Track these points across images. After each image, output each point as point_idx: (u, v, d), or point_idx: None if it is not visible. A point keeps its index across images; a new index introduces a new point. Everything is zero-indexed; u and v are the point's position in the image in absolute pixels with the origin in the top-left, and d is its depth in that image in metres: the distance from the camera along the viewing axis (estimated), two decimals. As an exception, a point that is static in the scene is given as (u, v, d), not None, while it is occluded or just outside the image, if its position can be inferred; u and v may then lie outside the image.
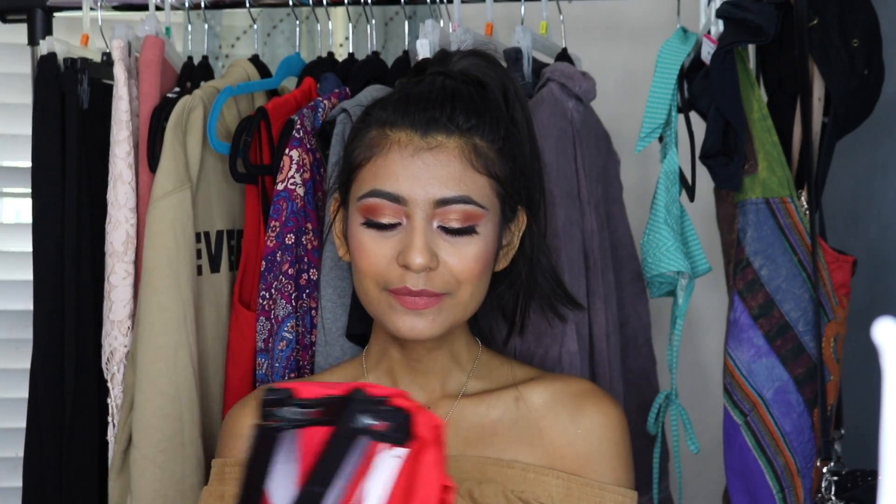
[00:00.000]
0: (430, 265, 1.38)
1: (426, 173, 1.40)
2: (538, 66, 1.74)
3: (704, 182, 1.61)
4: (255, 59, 1.87)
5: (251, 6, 1.90)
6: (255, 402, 1.50)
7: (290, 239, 1.65)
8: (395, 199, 1.39)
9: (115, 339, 1.71)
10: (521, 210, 1.48)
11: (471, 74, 1.45)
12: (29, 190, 1.81)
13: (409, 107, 1.42)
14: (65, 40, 1.84)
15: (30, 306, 1.79)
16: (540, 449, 1.45)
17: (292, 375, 1.65)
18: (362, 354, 1.53)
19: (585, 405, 1.46)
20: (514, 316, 1.53)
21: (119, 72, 1.73)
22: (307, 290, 1.67)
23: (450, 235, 1.40)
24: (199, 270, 1.71)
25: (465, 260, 1.40)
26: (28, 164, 1.81)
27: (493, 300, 1.52)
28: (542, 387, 1.47)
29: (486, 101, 1.44)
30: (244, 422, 1.48)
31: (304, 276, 1.67)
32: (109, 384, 1.72)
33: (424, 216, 1.39)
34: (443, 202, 1.39)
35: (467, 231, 1.40)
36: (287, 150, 1.66)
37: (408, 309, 1.39)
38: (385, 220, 1.40)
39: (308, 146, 1.67)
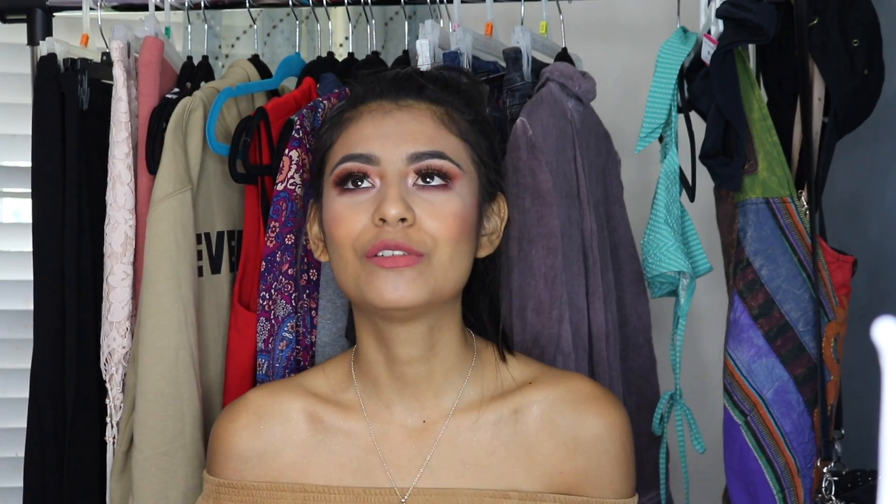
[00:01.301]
0: (405, 216, 1.33)
1: (397, 130, 1.37)
2: (538, 66, 1.74)
3: (704, 182, 1.61)
4: (255, 59, 1.87)
5: (251, 6, 1.90)
6: (245, 416, 1.47)
7: (289, 239, 1.65)
8: (368, 159, 1.36)
9: (113, 339, 1.71)
10: (501, 197, 1.46)
11: (439, 72, 1.47)
12: (28, 190, 1.81)
13: (378, 80, 1.42)
14: (64, 41, 1.84)
15: (30, 306, 1.79)
16: (537, 468, 1.41)
17: (274, 381, 1.64)
18: (349, 357, 1.48)
19: (586, 414, 1.42)
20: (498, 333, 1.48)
21: (118, 72, 1.73)
22: (307, 291, 1.67)
23: (426, 192, 1.36)
24: (200, 272, 1.71)
25: (441, 217, 1.35)
26: (28, 164, 1.81)
27: (479, 292, 1.49)
28: (542, 394, 1.43)
29: (456, 84, 1.44)
30: (234, 441, 1.45)
31: (304, 276, 1.67)
32: (108, 385, 1.72)
33: (397, 172, 1.36)
34: (416, 157, 1.36)
35: (443, 186, 1.36)
36: (286, 151, 1.66)
37: (388, 269, 1.33)
38: (357, 176, 1.36)
39: (308, 146, 1.67)
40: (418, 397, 1.43)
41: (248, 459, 1.45)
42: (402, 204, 1.33)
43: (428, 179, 1.36)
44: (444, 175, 1.37)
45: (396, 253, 1.33)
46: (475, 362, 1.45)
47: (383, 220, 1.33)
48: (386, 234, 1.33)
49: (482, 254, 1.44)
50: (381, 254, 1.34)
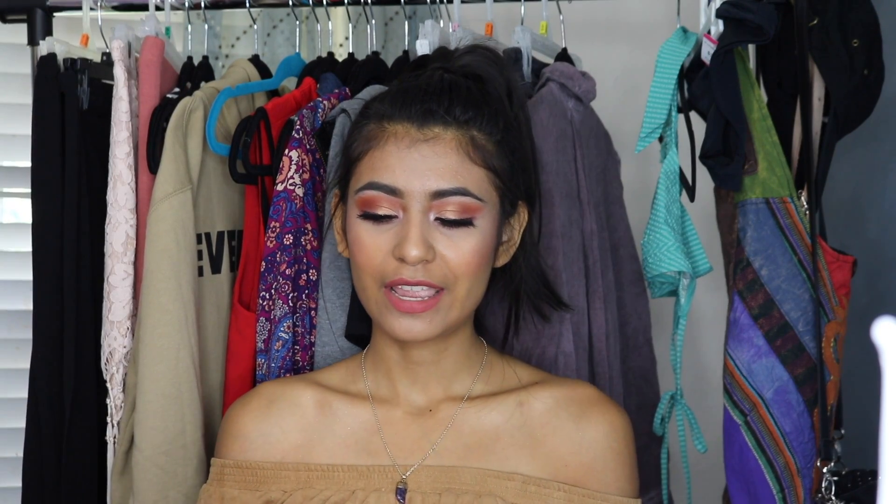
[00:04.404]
0: (426, 257, 1.37)
1: (422, 165, 1.39)
2: (538, 66, 1.74)
3: (704, 182, 1.61)
4: (255, 59, 1.87)
5: (251, 6, 1.90)
6: (256, 400, 1.50)
7: (288, 239, 1.65)
8: (392, 191, 1.39)
9: (114, 339, 1.71)
10: (522, 205, 1.47)
11: (471, 70, 1.45)
12: (28, 190, 1.81)
13: (406, 99, 1.41)
14: (65, 40, 1.84)
15: (30, 306, 1.79)
16: (542, 458, 1.44)
17: (288, 375, 1.65)
18: (361, 354, 1.53)
19: (591, 413, 1.45)
20: (510, 315, 1.52)
21: (119, 72, 1.73)
22: (306, 291, 1.66)
23: (446, 228, 1.39)
24: (200, 272, 1.71)
25: (461, 253, 1.39)
26: (28, 164, 1.81)
27: (493, 297, 1.52)
28: (547, 392, 1.46)
29: (484, 94, 1.43)
30: (243, 422, 1.49)
31: (304, 276, 1.67)
32: (108, 384, 1.72)
33: (421, 208, 1.38)
34: (439, 194, 1.38)
35: (464, 223, 1.39)
36: (286, 151, 1.65)
37: (404, 312, 1.39)
38: (381, 212, 1.39)
39: (307, 147, 1.67)
40: (427, 391, 1.47)
41: (253, 440, 1.48)
42: (423, 245, 1.37)
43: (449, 216, 1.39)
44: (465, 211, 1.39)
45: (416, 289, 1.38)
46: (485, 362, 1.49)
47: (403, 259, 1.37)
48: (405, 272, 1.38)
49: (499, 263, 1.48)
50: (400, 287, 1.39)
